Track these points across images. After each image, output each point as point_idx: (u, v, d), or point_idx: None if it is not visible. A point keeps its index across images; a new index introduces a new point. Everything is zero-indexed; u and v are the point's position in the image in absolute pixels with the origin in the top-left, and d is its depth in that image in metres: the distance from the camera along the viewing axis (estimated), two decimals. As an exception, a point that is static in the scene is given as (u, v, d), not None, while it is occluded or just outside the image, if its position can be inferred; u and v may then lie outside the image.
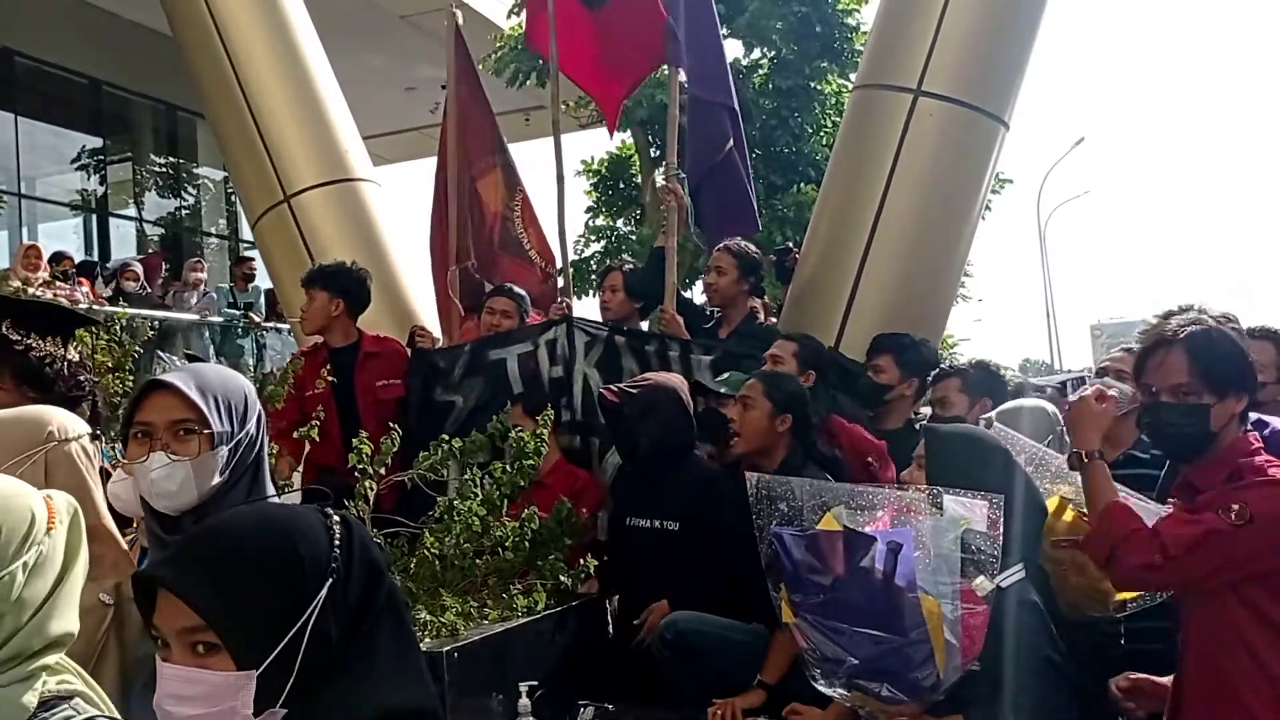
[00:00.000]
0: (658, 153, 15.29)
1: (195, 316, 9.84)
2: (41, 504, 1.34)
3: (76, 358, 2.53)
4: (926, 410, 4.72)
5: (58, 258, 9.49)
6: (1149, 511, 2.49)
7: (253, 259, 10.96)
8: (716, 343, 4.64)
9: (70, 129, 12.78)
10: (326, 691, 1.20)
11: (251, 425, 1.90)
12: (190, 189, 14.25)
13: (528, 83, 13.99)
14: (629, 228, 16.57)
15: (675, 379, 4.03)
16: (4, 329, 2.51)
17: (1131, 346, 3.38)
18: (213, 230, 14.61)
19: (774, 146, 14.15)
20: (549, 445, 3.97)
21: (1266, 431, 2.53)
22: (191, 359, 7.97)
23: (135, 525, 2.25)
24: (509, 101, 10.40)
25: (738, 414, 3.57)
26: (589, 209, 16.77)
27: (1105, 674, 2.58)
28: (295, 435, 3.53)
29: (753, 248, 4.88)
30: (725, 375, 4.13)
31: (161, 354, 7.39)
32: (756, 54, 14.71)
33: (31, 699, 1.27)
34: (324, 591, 1.19)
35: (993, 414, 3.27)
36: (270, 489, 1.98)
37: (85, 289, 8.92)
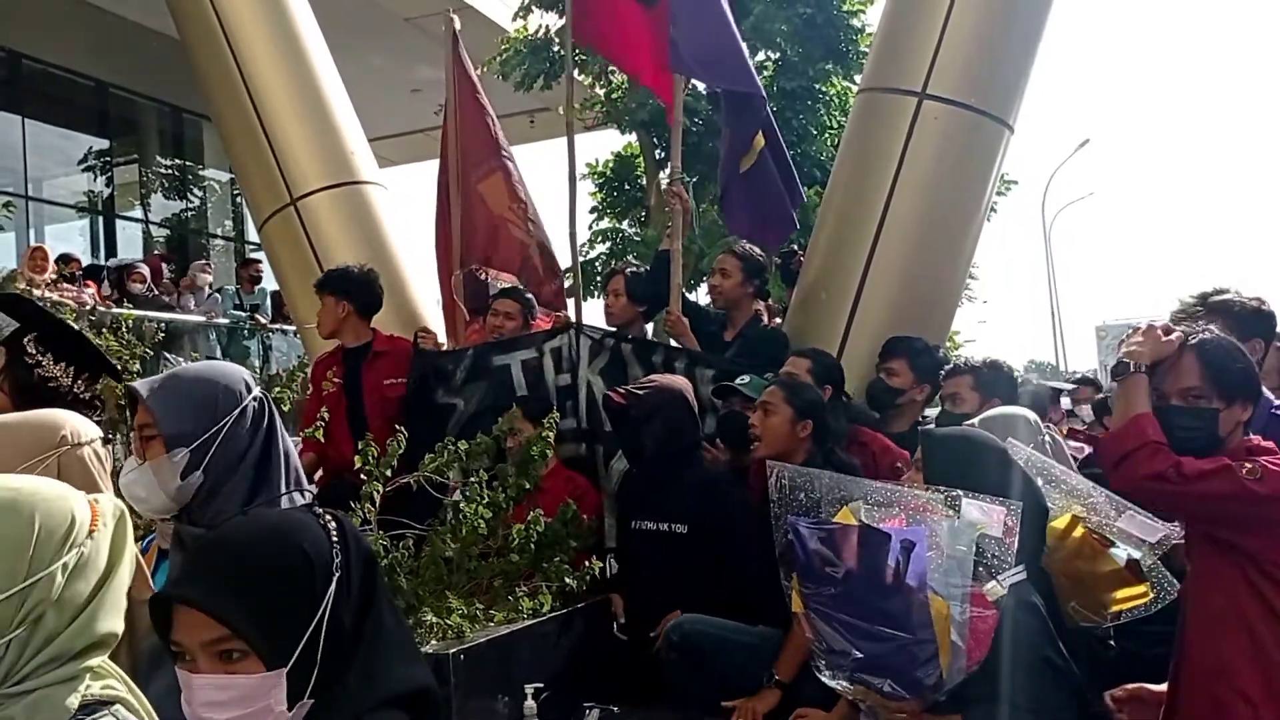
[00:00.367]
0: (662, 155, 15.38)
1: (201, 318, 9.86)
2: (84, 506, 1.36)
3: (86, 395, 2.54)
4: (930, 411, 4.74)
5: (65, 259, 9.52)
6: (1153, 528, 2.52)
7: (259, 261, 10.99)
8: (723, 360, 4.61)
9: (76, 131, 12.83)
10: (346, 676, 1.29)
11: (229, 422, 1.89)
12: (196, 191, 14.28)
13: (535, 86, 14.02)
14: (634, 230, 16.57)
15: (680, 381, 4.04)
16: (27, 341, 2.53)
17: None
18: (218, 232, 14.65)
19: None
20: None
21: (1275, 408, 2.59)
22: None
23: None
24: (513, 104, 10.42)
25: (759, 420, 3.61)
26: (593, 210, 16.78)
27: (1099, 677, 2.60)
28: (300, 436, 3.56)
29: (757, 250, 4.89)
30: (746, 379, 4.13)
31: (168, 356, 7.42)
32: (761, 56, 14.71)
33: (74, 701, 1.28)
34: (333, 586, 1.28)
35: (975, 420, 3.28)
36: (285, 485, 1.97)
37: (91, 290, 8.95)
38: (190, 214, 14.19)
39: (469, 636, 3.07)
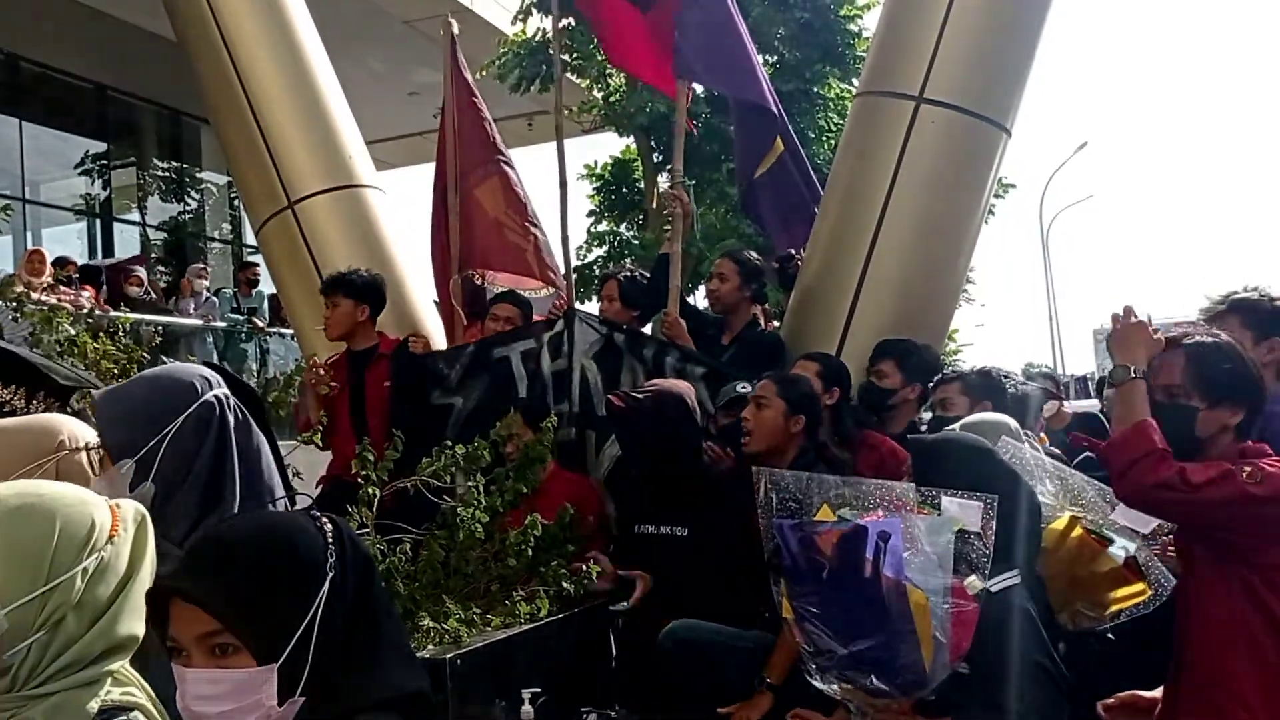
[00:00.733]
0: (660, 158, 15.40)
1: (199, 322, 9.86)
2: (105, 511, 1.37)
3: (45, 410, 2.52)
4: (927, 415, 4.74)
5: (61, 263, 9.51)
6: (1145, 519, 2.52)
7: (256, 264, 11.00)
8: (713, 361, 4.63)
9: (74, 134, 12.82)
10: (340, 677, 1.30)
11: (174, 429, 1.83)
12: (193, 194, 14.28)
13: (531, 89, 14.03)
14: (631, 232, 16.60)
15: (682, 385, 4.05)
16: None
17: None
18: (216, 235, 14.64)
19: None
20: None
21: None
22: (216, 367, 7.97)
23: None
24: (511, 106, 10.43)
25: (751, 413, 3.60)
26: (591, 214, 16.80)
27: (1102, 677, 2.60)
28: (299, 441, 3.57)
29: (755, 255, 4.91)
30: (747, 387, 4.14)
31: (165, 360, 7.41)
32: (759, 59, 14.74)
33: (94, 705, 1.30)
34: (326, 586, 1.29)
35: (955, 426, 3.28)
36: (244, 490, 1.88)
37: (88, 294, 8.93)
38: (188, 217, 14.19)
39: (466, 641, 3.06)
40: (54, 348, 4.18)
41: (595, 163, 16.86)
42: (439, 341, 5.53)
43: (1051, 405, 4.63)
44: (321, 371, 4.63)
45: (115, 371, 4.32)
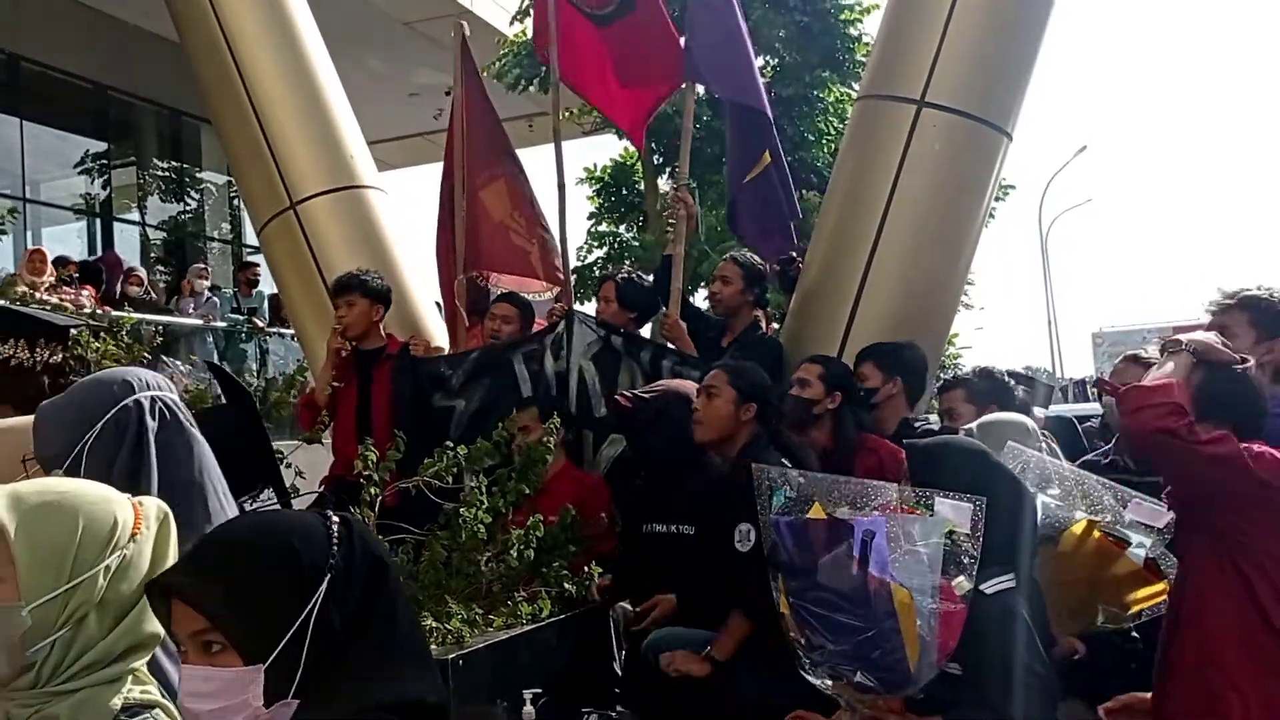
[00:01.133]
0: (660, 160, 15.40)
1: (199, 322, 9.86)
2: (128, 509, 1.39)
3: (56, 359, 2.52)
4: (932, 417, 4.74)
5: (60, 262, 9.51)
6: (1159, 513, 2.54)
7: (257, 264, 11.00)
8: (708, 365, 4.63)
9: (74, 133, 12.82)
10: (339, 681, 1.26)
11: (93, 435, 1.82)
12: (193, 193, 14.28)
13: (530, 89, 14.03)
14: (631, 234, 16.61)
15: (688, 385, 4.05)
16: None
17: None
18: (215, 235, 14.64)
19: (776, 154, 14.19)
20: (557, 450, 4.01)
21: None
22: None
23: None
24: (512, 107, 10.42)
25: (702, 403, 3.59)
26: (591, 215, 16.81)
27: (1127, 675, 2.63)
28: (302, 440, 3.59)
29: (758, 259, 4.92)
30: None
31: (165, 359, 7.42)
32: (759, 62, 14.75)
33: (117, 702, 1.32)
34: (324, 586, 1.25)
35: (972, 426, 3.29)
36: (155, 489, 1.81)
37: (88, 293, 8.93)
38: (187, 217, 14.19)
39: (468, 641, 3.07)
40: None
41: (595, 165, 16.87)
42: (441, 342, 5.54)
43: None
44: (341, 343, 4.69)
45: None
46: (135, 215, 13.59)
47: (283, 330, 10.01)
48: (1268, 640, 2.26)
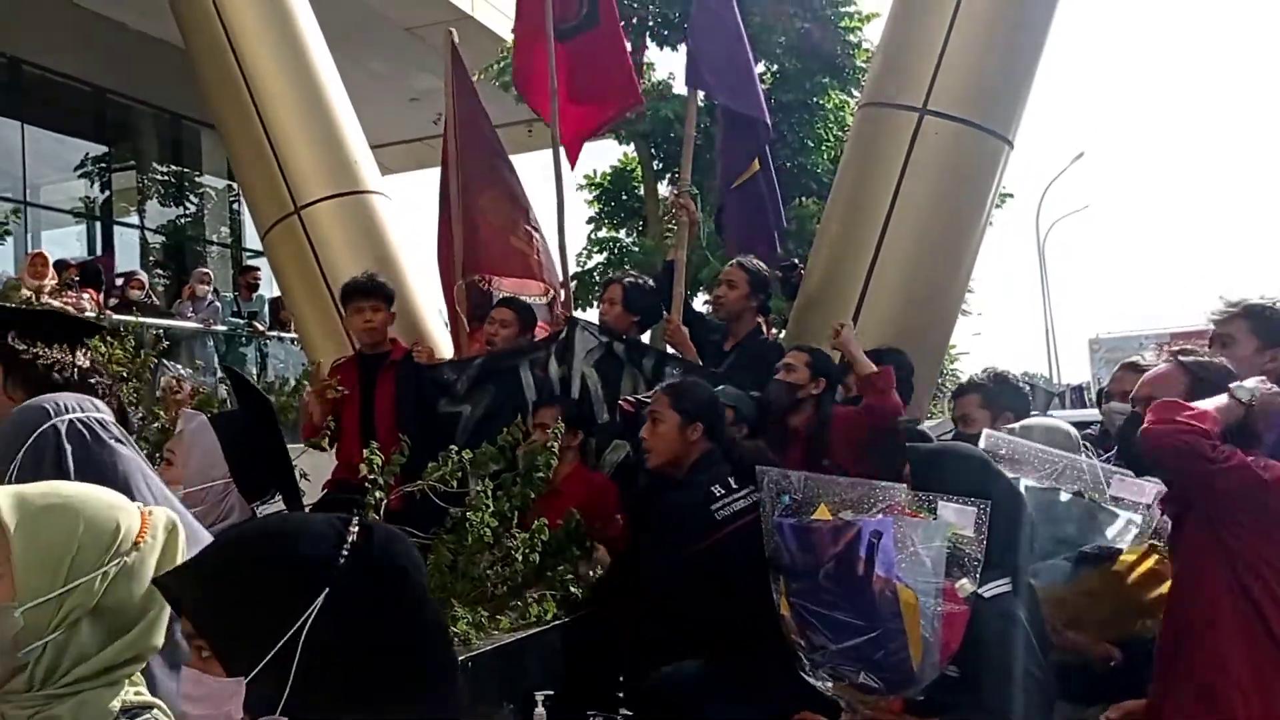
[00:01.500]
0: (660, 165, 15.43)
1: (200, 325, 9.86)
2: (134, 517, 1.38)
3: (87, 363, 2.54)
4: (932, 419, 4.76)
5: (61, 266, 9.50)
6: (1142, 488, 2.59)
7: (257, 268, 11.00)
8: (714, 371, 4.64)
9: (75, 137, 12.82)
10: (333, 700, 1.17)
11: (16, 466, 1.81)
12: (193, 197, 14.28)
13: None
14: (631, 239, 16.62)
15: None
16: (10, 339, 2.52)
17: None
18: (215, 239, 14.65)
19: (775, 160, 14.19)
20: (569, 453, 4.03)
21: None
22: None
23: None
24: (512, 113, 10.41)
25: (648, 431, 3.51)
26: (591, 220, 16.82)
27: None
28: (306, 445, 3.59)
29: (764, 266, 4.93)
30: (719, 388, 4.16)
31: (166, 364, 7.42)
32: (760, 68, 14.80)
33: (116, 704, 1.33)
34: (320, 600, 1.16)
35: (1015, 427, 3.27)
36: (69, 478, 1.78)
37: (89, 296, 8.93)
38: (187, 221, 14.19)
39: (475, 644, 3.08)
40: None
41: (595, 171, 16.89)
42: (444, 347, 5.55)
43: None
44: (330, 378, 4.64)
45: (123, 374, 4.34)
46: (135, 219, 13.59)
47: (283, 334, 10.02)
48: (1274, 650, 2.27)
